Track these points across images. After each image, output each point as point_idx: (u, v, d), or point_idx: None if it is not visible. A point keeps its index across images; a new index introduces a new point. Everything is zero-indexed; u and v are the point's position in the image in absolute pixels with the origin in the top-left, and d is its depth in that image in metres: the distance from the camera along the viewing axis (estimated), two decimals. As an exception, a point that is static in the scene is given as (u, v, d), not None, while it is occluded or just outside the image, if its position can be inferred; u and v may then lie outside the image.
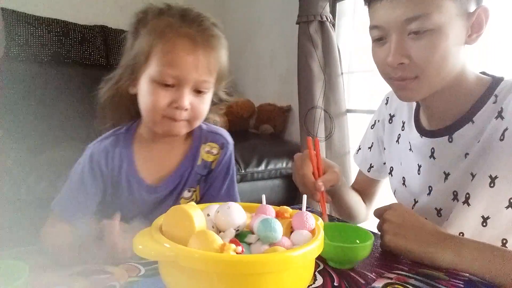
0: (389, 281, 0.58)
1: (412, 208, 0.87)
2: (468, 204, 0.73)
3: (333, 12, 2.27)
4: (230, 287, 0.40)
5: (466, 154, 0.75)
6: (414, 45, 0.68)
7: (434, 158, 0.81)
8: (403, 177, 0.91)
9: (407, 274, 0.61)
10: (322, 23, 2.14)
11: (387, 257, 0.68)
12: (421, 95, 0.74)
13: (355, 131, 2.18)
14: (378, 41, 0.74)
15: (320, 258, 0.64)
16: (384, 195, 1.08)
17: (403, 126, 0.91)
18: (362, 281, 0.58)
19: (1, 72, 2.16)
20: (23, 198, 1.47)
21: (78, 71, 2.42)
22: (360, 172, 1.08)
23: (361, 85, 2.28)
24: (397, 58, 0.69)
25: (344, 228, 0.70)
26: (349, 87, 2.32)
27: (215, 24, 0.78)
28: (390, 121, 0.97)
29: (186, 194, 0.85)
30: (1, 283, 0.47)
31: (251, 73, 2.89)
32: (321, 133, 2.15)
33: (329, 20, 2.15)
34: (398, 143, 0.93)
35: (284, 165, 2.15)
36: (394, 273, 0.61)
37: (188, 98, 0.74)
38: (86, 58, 2.50)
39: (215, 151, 0.87)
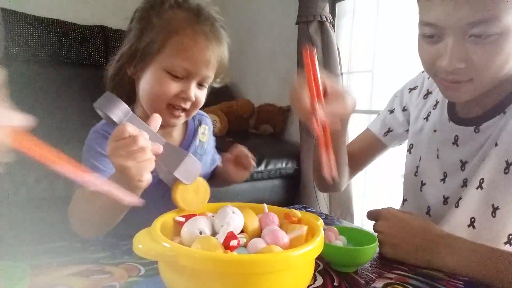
0: (389, 281, 0.58)
1: (420, 191, 0.85)
2: (481, 188, 0.71)
3: (332, 12, 2.28)
4: (230, 287, 0.40)
5: (488, 143, 0.72)
6: (475, 49, 0.62)
7: (457, 145, 0.78)
8: (420, 157, 0.88)
9: (407, 274, 0.61)
10: (321, 23, 2.14)
11: (387, 258, 0.68)
12: (471, 96, 0.69)
13: (354, 131, 2.19)
14: (429, 37, 0.67)
15: (323, 262, 0.64)
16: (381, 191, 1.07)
17: (435, 105, 0.87)
18: (362, 281, 0.58)
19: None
20: (23, 198, 1.47)
21: (78, 71, 2.42)
22: (367, 135, 1.01)
23: (360, 86, 2.28)
24: (454, 63, 0.63)
25: (347, 231, 0.69)
26: (349, 87, 2.33)
27: (223, 26, 0.82)
28: (425, 97, 0.91)
29: None
30: (2, 285, 0.47)
31: (251, 73, 2.89)
32: (320, 133, 2.15)
33: (328, 20, 2.15)
34: (427, 120, 0.88)
35: (284, 165, 2.15)
36: (394, 273, 0.61)
37: (193, 90, 0.78)
38: (86, 58, 2.50)
39: (206, 132, 0.96)
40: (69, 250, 0.66)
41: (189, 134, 0.91)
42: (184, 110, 0.80)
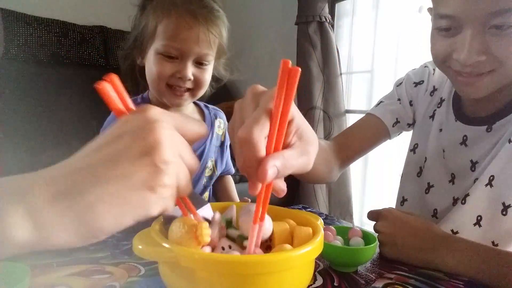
0: (389, 281, 0.58)
1: (426, 193, 0.84)
2: (491, 186, 0.70)
3: (332, 12, 2.28)
4: (229, 287, 0.40)
5: (501, 141, 0.71)
6: (495, 41, 0.60)
7: (466, 145, 0.77)
8: (425, 157, 0.86)
9: (407, 274, 0.61)
10: (321, 24, 2.15)
11: (387, 258, 0.68)
12: (489, 91, 0.66)
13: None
14: (445, 30, 0.65)
15: (323, 262, 0.64)
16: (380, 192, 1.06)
17: (440, 103, 0.85)
18: (362, 281, 0.58)
19: (1, 72, 2.16)
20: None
21: (77, 71, 2.42)
22: (372, 122, 0.92)
23: (360, 86, 2.29)
24: (473, 56, 0.61)
25: (347, 230, 0.69)
26: (348, 87, 2.33)
27: (216, 2, 0.85)
28: (432, 94, 0.88)
29: (209, 163, 0.97)
30: (2, 285, 0.47)
31: (251, 73, 2.88)
32: (320, 133, 2.16)
33: (328, 20, 2.15)
34: (433, 119, 0.86)
35: (283, 165, 2.15)
36: (394, 273, 0.61)
37: (190, 70, 0.81)
38: (85, 58, 2.50)
39: (222, 125, 1.02)
40: (69, 250, 0.66)
41: (207, 125, 0.96)
42: (187, 90, 0.84)
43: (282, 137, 0.37)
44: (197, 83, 0.83)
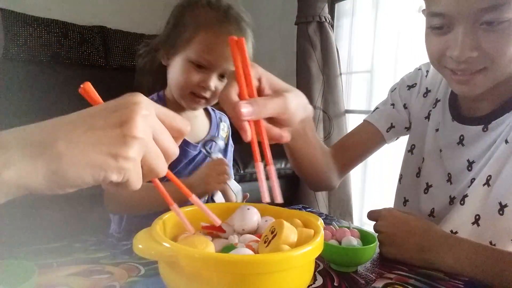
0: (389, 281, 0.58)
1: (425, 193, 0.84)
2: (489, 185, 0.70)
3: (331, 12, 2.28)
4: (230, 287, 0.40)
5: (498, 141, 0.71)
6: (487, 37, 0.61)
7: (463, 145, 0.77)
8: (423, 158, 0.86)
9: (407, 274, 0.61)
10: (320, 24, 2.15)
11: (387, 258, 0.68)
12: (483, 88, 0.67)
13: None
14: (438, 29, 0.66)
15: (323, 262, 0.64)
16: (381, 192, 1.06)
17: (435, 103, 0.86)
18: (362, 281, 0.58)
19: (0, 72, 2.16)
20: (23, 198, 1.47)
21: (77, 71, 2.42)
22: (366, 128, 0.94)
23: (359, 86, 2.29)
24: (466, 52, 0.62)
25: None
26: (348, 87, 2.33)
27: (249, 25, 0.91)
28: (425, 95, 0.89)
29: (217, 155, 1.02)
30: (10, 283, 0.47)
31: (250, 73, 2.90)
32: (319, 133, 2.16)
33: (327, 20, 2.16)
34: (428, 120, 0.87)
35: (283, 165, 2.15)
36: (394, 273, 0.61)
37: (214, 82, 0.87)
38: (85, 58, 2.50)
39: (226, 129, 1.07)
40: (69, 250, 0.66)
41: (213, 127, 1.03)
42: (205, 98, 0.90)
43: (254, 91, 0.48)
44: (215, 94, 0.89)
